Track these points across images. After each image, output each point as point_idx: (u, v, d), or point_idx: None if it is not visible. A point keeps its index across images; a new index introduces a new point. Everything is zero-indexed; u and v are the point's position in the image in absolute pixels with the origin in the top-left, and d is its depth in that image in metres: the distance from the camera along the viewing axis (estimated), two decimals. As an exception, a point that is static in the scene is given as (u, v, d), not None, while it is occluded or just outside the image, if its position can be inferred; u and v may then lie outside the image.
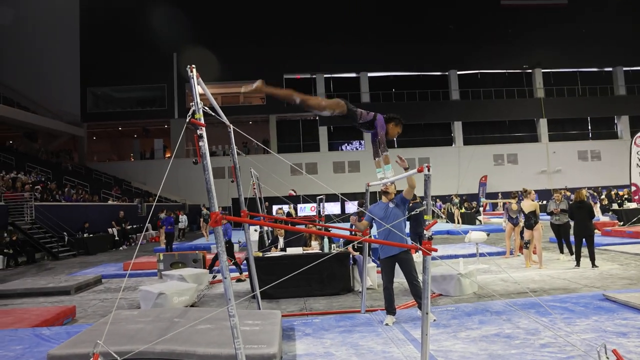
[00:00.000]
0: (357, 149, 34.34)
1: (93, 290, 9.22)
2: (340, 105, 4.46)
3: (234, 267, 9.41)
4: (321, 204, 13.05)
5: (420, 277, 5.13)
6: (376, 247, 9.32)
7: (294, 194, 24.52)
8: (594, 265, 8.51)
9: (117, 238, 19.01)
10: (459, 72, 34.76)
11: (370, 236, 5.69)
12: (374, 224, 5.55)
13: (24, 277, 11.12)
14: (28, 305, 7.84)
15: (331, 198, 24.63)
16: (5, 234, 14.54)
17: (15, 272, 12.92)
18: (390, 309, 5.30)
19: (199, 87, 3.42)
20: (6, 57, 30.65)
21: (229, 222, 8.98)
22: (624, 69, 35.95)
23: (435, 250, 3.42)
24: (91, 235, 17.78)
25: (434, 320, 5.16)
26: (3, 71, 30.28)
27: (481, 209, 22.53)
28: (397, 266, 5.40)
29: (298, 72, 34.02)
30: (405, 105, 33.58)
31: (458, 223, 19.97)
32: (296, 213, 23.99)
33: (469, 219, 21.34)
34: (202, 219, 18.25)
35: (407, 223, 8.89)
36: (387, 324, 5.12)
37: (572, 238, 9.15)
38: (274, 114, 33.30)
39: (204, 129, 3.25)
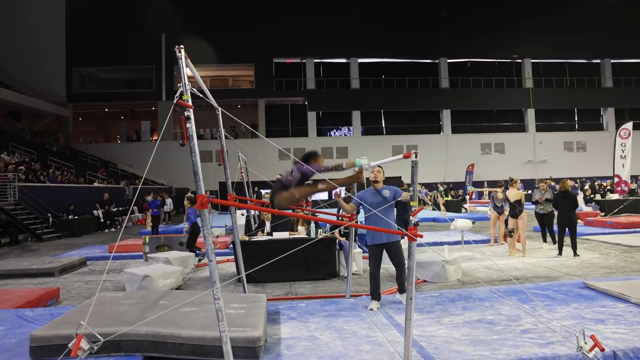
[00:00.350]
0: (345, 135, 34.30)
1: (77, 272, 9.17)
2: (293, 196, 4.53)
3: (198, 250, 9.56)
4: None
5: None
6: (363, 233, 9.38)
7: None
8: (575, 254, 8.66)
9: (102, 220, 18.86)
10: (449, 60, 34.74)
11: (357, 222, 5.71)
12: (361, 210, 5.57)
13: (7, 259, 11.01)
14: (11, 286, 7.77)
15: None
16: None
17: (-2, 253, 12.79)
18: (375, 295, 5.36)
19: (187, 69, 3.37)
20: (-11, 34, 29.94)
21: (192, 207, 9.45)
22: (612, 61, 36.24)
23: (421, 237, 3.45)
24: (76, 217, 17.62)
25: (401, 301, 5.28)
26: (-15, 49, 29.62)
27: (467, 197, 22.71)
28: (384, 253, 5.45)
29: (288, 57, 33.72)
30: (394, 92, 33.56)
31: (443, 211, 20.14)
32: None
33: (455, 206, 21.52)
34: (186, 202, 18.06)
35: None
36: (371, 309, 5.18)
37: (555, 227, 9.30)
38: (262, 98, 33.06)
39: (191, 110, 3.22)
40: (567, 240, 8.87)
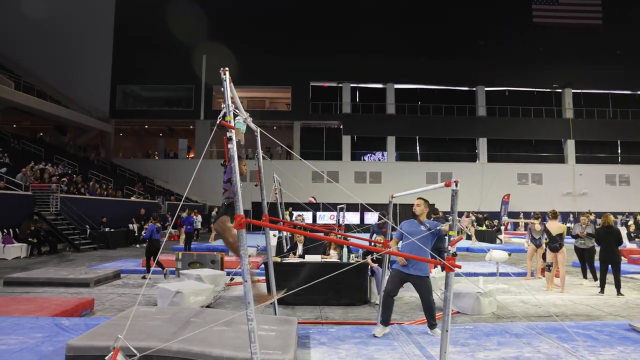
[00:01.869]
0: (379, 160, 34.22)
1: (111, 284, 9.34)
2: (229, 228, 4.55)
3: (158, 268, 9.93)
4: (341, 213, 13.01)
5: (434, 295, 5.07)
6: (395, 259, 9.26)
7: (314, 201, 24.54)
8: (619, 293, 8.26)
9: (136, 234, 19.26)
10: (486, 88, 34.41)
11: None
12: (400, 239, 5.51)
13: (46, 267, 11.34)
14: (49, 294, 7.99)
15: (351, 208, 24.56)
16: (31, 224, 14.88)
17: (38, 261, 13.20)
18: (384, 319, 5.23)
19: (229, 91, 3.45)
20: (42, 53, 31.56)
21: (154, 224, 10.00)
22: (658, 93, 35.14)
23: (459, 267, 3.37)
24: (112, 229, 18.06)
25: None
26: (39, 66, 31.19)
27: (502, 227, 22.13)
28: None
29: (325, 80, 34.14)
30: (430, 118, 33.40)
31: (474, 241, 19.67)
32: (314, 221, 23.97)
33: (490, 237, 21.00)
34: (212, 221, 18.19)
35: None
36: (374, 335, 5.06)
37: (597, 263, 8.92)
38: (298, 121, 33.46)
39: (233, 131, 3.28)
40: (609, 278, 8.49)
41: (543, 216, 10.27)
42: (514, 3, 34.63)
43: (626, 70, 33.60)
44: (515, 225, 27.41)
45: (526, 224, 13.94)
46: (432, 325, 5.27)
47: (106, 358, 3.24)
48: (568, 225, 22.88)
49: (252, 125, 4.67)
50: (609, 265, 8.38)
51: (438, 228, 5.15)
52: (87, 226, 17.17)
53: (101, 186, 22.42)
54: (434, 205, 12.59)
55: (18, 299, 6.88)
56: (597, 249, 8.73)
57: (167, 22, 31.52)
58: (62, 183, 18.35)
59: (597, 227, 9.22)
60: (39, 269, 10.75)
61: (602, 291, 8.43)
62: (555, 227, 8.92)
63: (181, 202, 5.25)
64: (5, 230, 14.05)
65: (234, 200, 4.18)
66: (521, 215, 27.83)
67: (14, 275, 9.33)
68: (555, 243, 8.83)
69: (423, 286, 5.30)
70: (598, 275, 8.79)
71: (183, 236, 15.25)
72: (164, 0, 31.73)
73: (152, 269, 9.58)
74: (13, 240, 14.06)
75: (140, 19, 32.77)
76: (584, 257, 9.53)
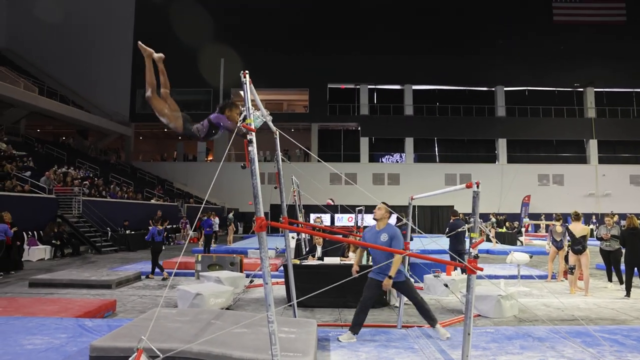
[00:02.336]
0: (397, 162, 34.04)
1: (132, 286, 9.46)
2: (178, 123, 4.24)
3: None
4: (360, 214, 12.97)
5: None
6: (415, 262, 9.18)
7: (332, 203, 24.52)
8: (645, 296, 8.07)
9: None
10: (505, 88, 33.97)
11: (411, 250, 5.59)
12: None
13: (69, 269, 11.55)
14: (72, 295, 8.13)
15: (369, 210, 24.44)
16: (55, 226, 15.17)
17: (61, 262, 13.45)
18: (355, 326, 5.17)
19: (249, 93, 3.46)
20: (64, 58, 32.23)
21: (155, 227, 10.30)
22: (684, 90, 34.27)
23: (481, 270, 3.32)
24: (132, 232, 18.31)
25: (448, 337, 5.07)
26: (61, 71, 31.86)
27: (523, 229, 21.79)
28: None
29: (342, 82, 34.13)
30: (448, 119, 33.13)
31: (495, 243, 19.44)
32: (332, 223, 23.96)
33: (510, 239, 20.71)
34: (228, 224, 18.24)
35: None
36: (339, 340, 5.01)
37: (622, 266, 8.72)
38: (316, 123, 33.50)
39: (254, 134, 3.28)
40: (635, 281, 8.29)
41: (565, 217, 10.08)
42: (533, 1, 34.16)
43: (651, 67, 32.86)
44: (536, 227, 26.98)
45: (547, 226, 13.68)
46: (431, 324, 5.24)
47: (130, 359, 3.27)
48: (591, 227, 22.44)
49: (272, 127, 4.68)
50: (635, 268, 8.19)
51: (396, 233, 5.20)
52: (108, 228, 17.44)
53: (122, 189, 22.74)
54: (453, 207, 12.51)
55: (43, 300, 7.01)
56: (624, 251, 8.54)
57: (185, 26, 31.89)
58: (84, 186, 18.67)
59: (622, 228, 9.02)
60: (62, 270, 10.95)
61: (628, 294, 8.24)
62: (579, 229, 8.74)
63: (202, 205, 5.29)
64: (30, 232, 14.35)
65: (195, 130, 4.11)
66: (542, 217, 27.38)
67: (39, 276, 9.54)
68: (578, 245, 8.66)
69: (403, 290, 5.33)
70: (624, 279, 8.60)
71: (203, 238, 15.38)
72: (183, 5, 32.10)
73: (159, 270, 10.09)
74: (37, 243, 14.35)
75: (159, 23, 33.17)
76: (610, 259, 9.32)
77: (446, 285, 7.86)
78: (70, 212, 16.71)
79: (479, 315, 6.89)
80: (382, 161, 34.32)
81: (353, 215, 16.41)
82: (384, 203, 5.39)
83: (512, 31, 33.23)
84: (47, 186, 16.76)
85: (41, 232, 14.93)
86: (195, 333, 4.16)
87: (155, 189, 27.00)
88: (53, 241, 14.59)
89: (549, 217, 25.61)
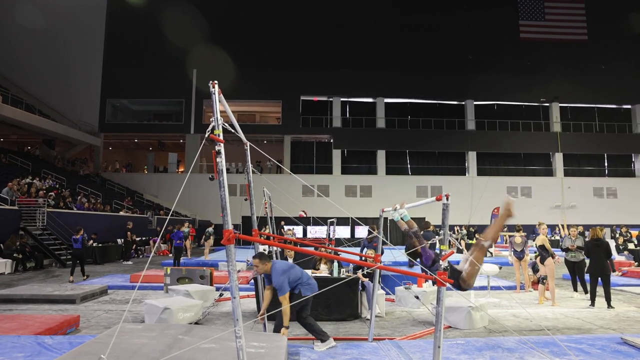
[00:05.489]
0: (370, 174, 34.25)
1: (98, 300, 9.17)
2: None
3: None
4: (332, 227, 12.94)
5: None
6: (387, 274, 9.19)
7: (304, 215, 24.45)
8: (609, 306, 8.27)
9: (124, 250, 18.98)
10: (475, 102, 34.75)
11: (382, 263, 5.59)
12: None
13: (31, 283, 11.12)
14: (33, 311, 7.81)
15: (341, 222, 24.48)
16: (17, 239, 14.62)
17: (23, 277, 12.94)
18: (325, 335, 5.32)
19: (219, 104, 3.41)
20: (31, 66, 31.41)
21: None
22: (643, 107, 35.72)
23: (451, 282, 3.33)
24: (100, 244, 17.81)
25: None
26: (27, 79, 31.03)
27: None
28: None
29: (315, 95, 34.27)
30: (420, 132, 33.59)
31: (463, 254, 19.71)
32: (305, 235, 23.86)
33: (480, 250, 20.98)
34: (204, 237, 17.92)
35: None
36: (333, 347, 5.19)
37: (587, 276, 8.94)
38: (289, 135, 33.45)
39: (222, 145, 3.23)
40: (599, 290, 8.50)
41: (534, 230, 10.36)
42: (502, 19, 35.18)
43: (611, 85, 34.17)
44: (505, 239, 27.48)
45: (509, 237, 13.97)
46: (320, 339, 5.36)
47: (89, 379, 3.14)
48: (557, 237, 23.05)
49: (243, 139, 4.63)
50: (599, 278, 8.40)
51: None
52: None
53: (89, 200, 22.14)
54: (424, 218, 12.62)
55: (0, 317, 6.70)
56: (588, 262, 8.76)
57: (157, 36, 31.58)
58: (49, 197, 18.10)
59: (586, 239, 9.27)
60: (23, 285, 10.53)
61: (592, 304, 8.44)
62: (540, 239, 9.06)
63: (169, 217, 5.17)
64: (-11, 245, 13.79)
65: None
66: (505, 229, 27.88)
67: (-2, 292, 9.13)
68: (541, 255, 8.95)
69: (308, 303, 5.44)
70: (588, 288, 8.81)
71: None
72: (155, 14, 31.79)
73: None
74: (-2, 256, 13.79)
75: (130, 32, 32.80)
76: (575, 270, 9.55)
77: (417, 297, 7.89)
78: (34, 224, 16.15)
79: (450, 327, 6.93)
80: (354, 173, 34.44)
81: (324, 228, 16.36)
82: (255, 259, 5.24)
83: (481, 47, 34.08)
84: (9, 197, 16.18)
85: (2, 245, 14.36)
86: (162, 349, 4.03)
87: (125, 200, 26.40)
88: (15, 255, 14.05)
89: (512, 228, 26.09)
